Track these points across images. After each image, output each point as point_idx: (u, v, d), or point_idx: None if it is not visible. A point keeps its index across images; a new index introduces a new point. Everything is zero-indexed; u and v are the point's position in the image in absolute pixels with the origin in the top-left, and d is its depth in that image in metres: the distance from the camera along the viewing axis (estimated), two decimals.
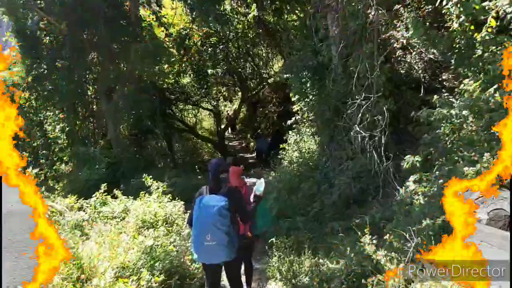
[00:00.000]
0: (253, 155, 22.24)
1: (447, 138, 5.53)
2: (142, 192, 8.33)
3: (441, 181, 5.49)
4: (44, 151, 15.53)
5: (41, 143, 15.61)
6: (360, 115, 7.18)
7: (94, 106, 17.45)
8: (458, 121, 5.35)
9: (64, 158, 15.34)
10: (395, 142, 8.00)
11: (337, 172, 9.45)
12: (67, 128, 15.79)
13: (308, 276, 5.59)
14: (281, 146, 12.89)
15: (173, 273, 5.28)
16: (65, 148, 15.60)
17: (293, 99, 12.26)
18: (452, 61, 6.89)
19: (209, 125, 28.63)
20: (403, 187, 6.22)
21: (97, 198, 8.41)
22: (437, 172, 5.70)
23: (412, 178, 6.15)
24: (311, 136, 11.71)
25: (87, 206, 8.16)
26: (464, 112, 5.33)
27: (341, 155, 9.48)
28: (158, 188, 8.25)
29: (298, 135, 12.20)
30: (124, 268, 5.09)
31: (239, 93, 26.66)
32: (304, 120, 12.36)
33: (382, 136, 7.04)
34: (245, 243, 4.89)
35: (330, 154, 9.95)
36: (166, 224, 7.08)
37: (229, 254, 4.19)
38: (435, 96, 6.28)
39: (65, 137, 15.86)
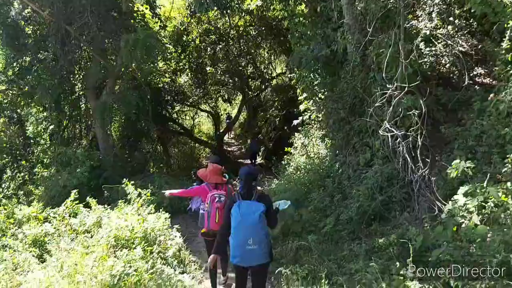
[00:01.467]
0: (254, 161, 20.85)
1: None
2: (121, 201, 6.93)
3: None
4: (23, 152, 14.08)
5: (21, 143, 14.17)
6: (391, 109, 5.76)
7: (82, 105, 16.06)
8: None
9: (45, 160, 13.89)
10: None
11: (353, 181, 8.07)
12: (50, 128, 14.35)
13: None
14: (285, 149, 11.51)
15: None
16: (47, 149, 14.16)
17: (300, 97, 10.90)
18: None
19: (208, 129, 27.31)
20: (450, 202, 4.81)
21: (66, 207, 6.99)
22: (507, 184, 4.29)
23: (462, 190, 4.75)
24: (320, 139, 10.29)
25: (54, 217, 6.73)
26: None
27: (358, 161, 8.09)
28: (139, 196, 6.85)
29: (306, 138, 10.78)
30: None
31: (239, 96, 25.32)
32: (313, 121, 11.00)
33: (418, 136, 5.64)
34: None
35: (344, 159, 8.54)
36: (145, 242, 5.66)
37: (267, 256, 4.38)
38: None
39: (48, 138, 14.42)
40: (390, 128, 5.62)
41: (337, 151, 9.15)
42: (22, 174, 13.38)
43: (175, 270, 5.38)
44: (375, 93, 6.39)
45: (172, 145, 21.36)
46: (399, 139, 5.80)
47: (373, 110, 6.11)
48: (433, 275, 3.98)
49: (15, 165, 13.53)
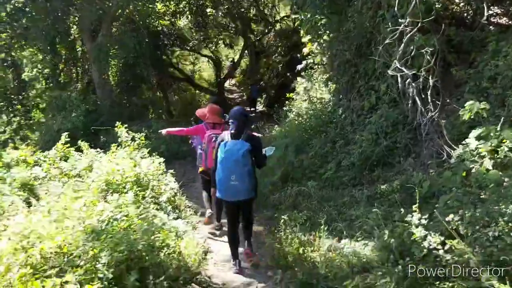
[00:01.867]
0: (254, 109, 20.49)
1: None
2: (114, 145, 6.66)
3: None
4: (18, 96, 13.72)
5: (16, 87, 13.78)
6: (402, 46, 5.29)
7: (79, 48, 15.51)
8: None
9: (41, 105, 13.56)
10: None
11: (356, 126, 7.74)
12: (46, 71, 13.89)
13: (326, 264, 3.91)
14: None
15: (135, 265, 3.60)
16: (43, 93, 13.78)
17: (303, 39, 10.36)
18: None
19: (209, 76, 26.73)
20: (461, 146, 4.49)
21: (57, 151, 6.73)
22: None
23: (474, 133, 4.42)
24: (324, 84, 9.87)
25: (44, 161, 6.48)
26: None
27: (362, 106, 7.72)
28: (133, 139, 6.57)
29: (308, 82, 10.35)
30: (58, 255, 3.46)
31: (241, 41, 24.46)
32: (316, 66, 10.52)
33: (430, 77, 5.23)
34: None
35: (348, 104, 8.17)
36: (138, 187, 5.42)
37: (250, 193, 4.61)
38: None
39: (43, 82, 14.01)
40: (400, 67, 5.20)
41: (341, 96, 8.76)
42: (17, 118, 13.11)
43: (168, 215, 5.18)
44: (385, 31, 5.89)
45: (172, 92, 20.93)
46: (409, 79, 5.39)
47: (382, 48, 5.63)
48: (440, 222, 3.73)
49: (10, 110, 13.22)
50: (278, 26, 21.94)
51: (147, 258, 3.55)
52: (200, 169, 5.98)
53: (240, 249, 4.90)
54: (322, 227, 4.54)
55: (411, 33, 5.24)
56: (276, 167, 7.60)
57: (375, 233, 4.26)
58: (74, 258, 3.51)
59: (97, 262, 3.19)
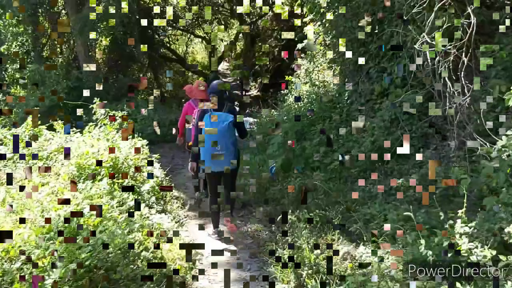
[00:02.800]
0: (245, 92, 19.67)
1: None
2: (91, 124, 5.83)
3: None
4: None
5: None
6: (433, 15, 4.47)
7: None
8: None
9: (25, 80, 12.55)
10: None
11: (364, 113, 6.99)
12: (27, 44, 12.91)
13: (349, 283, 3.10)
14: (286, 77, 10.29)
15: (101, 278, 2.76)
16: (23, 67, 12.77)
17: (305, 19, 9.52)
18: None
19: (202, 58, 25.80)
20: (504, 137, 3.72)
21: (26, 130, 5.87)
22: None
23: None
24: (327, 65, 9.08)
25: (10, 140, 5.63)
26: None
27: (372, 90, 6.96)
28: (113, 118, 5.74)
29: (310, 63, 9.54)
30: (2, 260, 2.65)
31: (237, 24, 23.39)
32: (319, 47, 9.69)
33: (463, 55, 4.45)
34: None
35: (356, 88, 7.40)
36: (115, 174, 4.59)
37: (234, 163, 4.65)
38: None
39: (24, 55, 13.01)
40: (429, 41, 4.39)
41: (346, 79, 8.00)
42: None
43: (150, 209, 4.39)
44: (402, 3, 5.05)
45: (163, 73, 19.96)
46: (438, 57, 4.59)
47: (402, 22, 4.79)
48: (488, 231, 2.99)
49: None
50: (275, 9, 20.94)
51: (118, 268, 2.75)
52: (189, 144, 5.82)
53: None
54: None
55: (442, 2, 4.40)
56: (276, 154, 6.84)
57: (402, 240, 3.51)
58: (24, 266, 2.72)
59: (47, 276, 2.38)
